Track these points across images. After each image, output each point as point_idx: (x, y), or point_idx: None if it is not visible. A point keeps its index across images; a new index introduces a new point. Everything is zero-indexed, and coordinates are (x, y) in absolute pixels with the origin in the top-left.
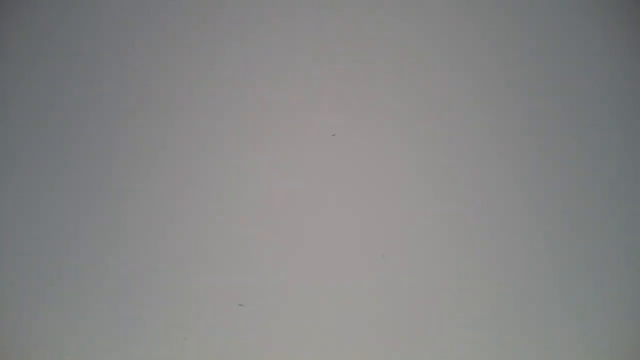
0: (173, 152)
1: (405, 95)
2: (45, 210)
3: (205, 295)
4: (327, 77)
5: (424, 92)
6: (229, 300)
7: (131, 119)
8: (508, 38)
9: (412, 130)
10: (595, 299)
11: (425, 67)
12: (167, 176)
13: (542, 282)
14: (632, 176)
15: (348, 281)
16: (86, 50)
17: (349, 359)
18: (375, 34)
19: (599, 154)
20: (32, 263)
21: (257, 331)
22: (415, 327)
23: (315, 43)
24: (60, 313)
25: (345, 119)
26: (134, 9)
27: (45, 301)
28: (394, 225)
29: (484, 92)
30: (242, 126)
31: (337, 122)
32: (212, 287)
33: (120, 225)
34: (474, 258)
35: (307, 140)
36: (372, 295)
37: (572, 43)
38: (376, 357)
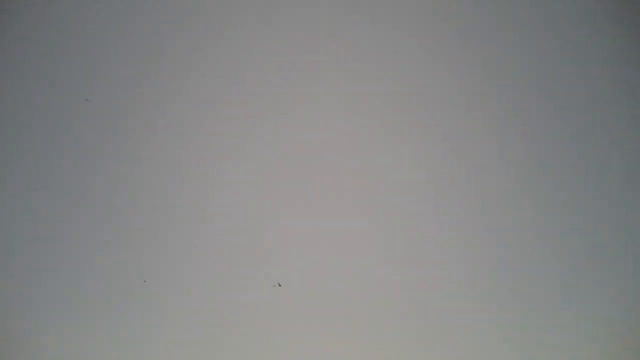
0: (189, 156)
1: (408, 100)
2: (42, 210)
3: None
4: (327, 79)
5: (424, 93)
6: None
7: (127, 118)
8: (515, 41)
9: (415, 132)
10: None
11: (428, 71)
12: (179, 176)
13: (544, 283)
14: (633, 176)
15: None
16: (82, 51)
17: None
18: (374, 40)
19: (601, 155)
20: (29, 262)
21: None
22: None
23: (311, 46)
24: (60, 311)
25: (347, 121)
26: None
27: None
28: (403, 227)
29: (485, 95)
30: (252, 130)
31: (339, 123)
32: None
33: (125, 224)
34: (475, 259)
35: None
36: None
37: (581, 46)
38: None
